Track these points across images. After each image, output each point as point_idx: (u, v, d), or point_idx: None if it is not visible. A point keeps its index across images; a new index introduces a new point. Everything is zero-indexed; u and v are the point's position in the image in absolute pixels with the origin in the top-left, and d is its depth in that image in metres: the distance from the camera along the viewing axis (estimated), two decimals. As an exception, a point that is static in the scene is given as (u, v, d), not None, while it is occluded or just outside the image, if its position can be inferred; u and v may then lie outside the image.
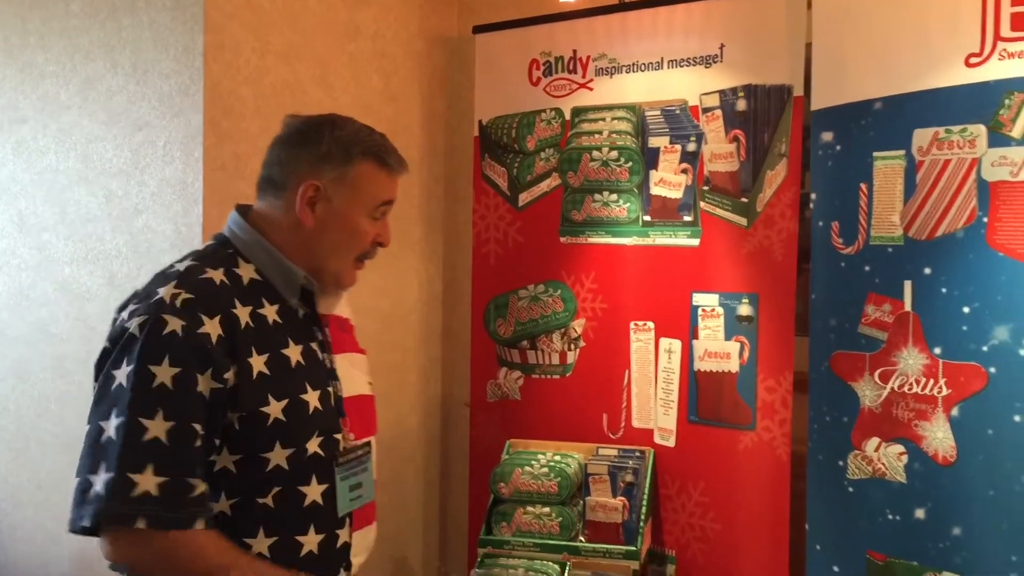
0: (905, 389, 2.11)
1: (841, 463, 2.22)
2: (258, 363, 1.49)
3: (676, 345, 2.58)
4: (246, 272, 1.56)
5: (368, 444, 1.68)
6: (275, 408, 1.49)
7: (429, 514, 3.14)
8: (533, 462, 2.55)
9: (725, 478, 2.49)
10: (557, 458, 2.57)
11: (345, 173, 1.58)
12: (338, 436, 1.60)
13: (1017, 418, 1.94)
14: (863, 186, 2.18)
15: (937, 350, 2.06)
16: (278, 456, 1.50)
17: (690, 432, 2.56)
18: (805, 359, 2.32)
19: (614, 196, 2.68)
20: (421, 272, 3.11)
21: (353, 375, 1.77)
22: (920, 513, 2.09)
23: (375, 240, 1.63)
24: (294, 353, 1.55)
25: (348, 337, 1.83)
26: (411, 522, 3.09)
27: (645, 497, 2.48)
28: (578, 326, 2.76)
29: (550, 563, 2.40)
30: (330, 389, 1.62)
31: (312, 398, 1.56)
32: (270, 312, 1.54)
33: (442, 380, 3.20)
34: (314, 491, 1.54)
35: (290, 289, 1.59)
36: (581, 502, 2.50)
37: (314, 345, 1.62)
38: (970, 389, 2.01)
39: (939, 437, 2.06)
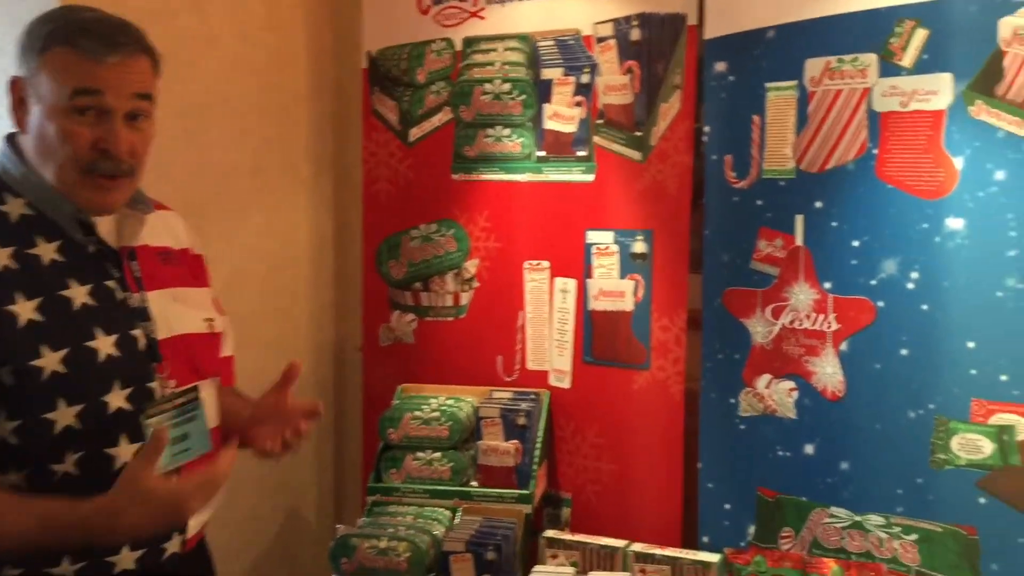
0: (796, 325, 2.09)
1: (733, 400, 2.20)
2: (25, 310, 1.33)
3: (571, 284, 2.51)
4: (14, 208, 1.40)
5: (194, 389, 1.49)
6: (51, 360, 1.34)
7: (323, 462, 3.05)
8: (424, 407, 2.47)
9: (620, 419, 2.45)
10: (449, 402, 2.50)
11: (42, 64, 1.38)
12: (152, 385, 1.45)
13: (904, 352, 1.93)
14: (756, 118, 2.12)
15: (827, 285, 2.04)
16: (65, 416, 1.34)
17: (585, 373, 2.50)
18: (699, 296, 2.28)
19: (507, 131, 2.57)
20: (310, 213, 2.97)
21: (175, 312, 1.58)
22: (809, 449, 2.09)
23: (96, 144, 1.40)
24: (78, 294, 1.39)
25: (175, 270, 1.63)
26: (304, 471, 2.99)
27: (539, 440, 2.43)
28: (471, 266, 2.67)
29: (441, 509, 2.34)
30: (135, 332, 1.46)
31: (104, 344, 1.40)
32: (47, 251, 1.39)
33: (335, 324, 3.09)
34: (126, 452, 1.40)
35: (70, 223, 1.42)
36: (474, 447, 2.44)
37: (110, 283, 1.45)
38: (859, 324, 2.00)
39: (828, 372, 2.04)
